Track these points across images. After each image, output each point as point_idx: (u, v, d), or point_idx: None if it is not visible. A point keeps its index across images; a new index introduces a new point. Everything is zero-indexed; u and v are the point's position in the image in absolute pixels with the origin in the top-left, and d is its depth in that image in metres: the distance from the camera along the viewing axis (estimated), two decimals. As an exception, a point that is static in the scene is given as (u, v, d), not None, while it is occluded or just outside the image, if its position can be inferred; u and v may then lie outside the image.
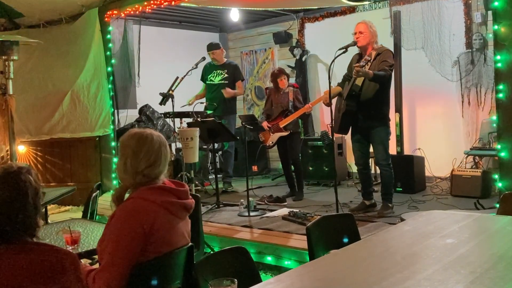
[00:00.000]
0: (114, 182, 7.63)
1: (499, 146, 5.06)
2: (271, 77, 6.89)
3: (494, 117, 5.33)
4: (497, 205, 4.39)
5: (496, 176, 5.23)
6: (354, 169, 8.22)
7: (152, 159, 2.55)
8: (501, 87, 4.98)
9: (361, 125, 5.54)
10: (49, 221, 4.85)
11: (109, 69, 7.87)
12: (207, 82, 7.65)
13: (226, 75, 7.53)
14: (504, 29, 4.94)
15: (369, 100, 5.41)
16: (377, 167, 6.23)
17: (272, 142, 6.77)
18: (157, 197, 2.52)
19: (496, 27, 5.01)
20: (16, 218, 2.01)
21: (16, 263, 1.94)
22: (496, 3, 4.98)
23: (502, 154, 5.02)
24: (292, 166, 6.94)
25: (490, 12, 6.38)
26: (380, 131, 5.47)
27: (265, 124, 6.77)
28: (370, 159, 6.11)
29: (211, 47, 7.53)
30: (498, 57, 4.98)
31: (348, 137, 8.04)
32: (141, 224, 2.42)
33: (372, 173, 6.36)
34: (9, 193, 2.03)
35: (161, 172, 2.60)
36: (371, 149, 5.77)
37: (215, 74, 7.58)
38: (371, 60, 5.38)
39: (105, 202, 5.84)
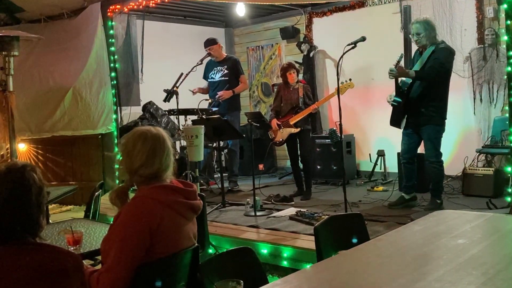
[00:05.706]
0: (117, 181, 7.56)
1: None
2: (281, 71, 6.89)
3: (507, 114, 5.25)
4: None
5: (509, 175, 5.14)
6: (363, 167, 8.23)
7: (144, 159, 2.50)
8: (513, 83, 4.90)
9: (411, 121, 5.61)
10: (50, 221, 4.81)
11: (112, 65, 7.78)
12: (209, 79, 7.57)
13: (226, 71, 7.43)
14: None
15: (417, 97, 5.47)
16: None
17: (282, 139, 6.69)
18: (164, 196, 2.49)
19: (508, 22, 4.92)
20: (18, 216, 1.98)
21: (17, 264, 1.90)
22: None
23: (515, 152, 4.93)
24: (301, 164, 6.84)
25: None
26: (429, 128, 5.49)
27: (274, 122, 6.75)
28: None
29: (208, 43, 7.39)
30: (511, 53, 4.88)
31: (356, 135, 8.07)
32: (147, 224, 2.39)
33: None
34: (12, 190, 1.99)
35: (160, 171, 2.54)
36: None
37: (215, 71, 7.49)
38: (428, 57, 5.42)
39: (107, 201, 5.79)
